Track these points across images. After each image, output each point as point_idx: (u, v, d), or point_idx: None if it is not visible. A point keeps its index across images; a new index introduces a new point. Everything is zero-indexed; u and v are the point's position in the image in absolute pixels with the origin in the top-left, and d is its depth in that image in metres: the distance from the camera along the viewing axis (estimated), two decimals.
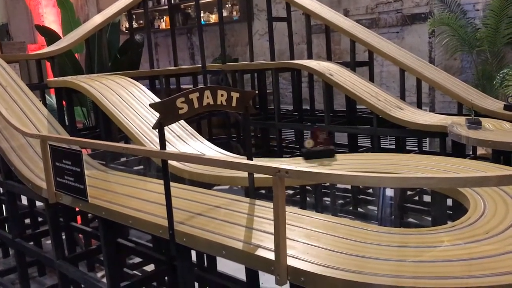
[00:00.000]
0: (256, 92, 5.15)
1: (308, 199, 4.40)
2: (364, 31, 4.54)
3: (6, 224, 3.98)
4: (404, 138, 4.14)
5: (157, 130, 1.89)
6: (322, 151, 2.77)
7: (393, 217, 3.48)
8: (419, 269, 1.39)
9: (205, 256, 2.87)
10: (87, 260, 3.62)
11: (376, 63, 5.67)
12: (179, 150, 3.02)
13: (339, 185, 4.45)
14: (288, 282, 1.50)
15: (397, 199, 3.54)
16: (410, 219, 4.12)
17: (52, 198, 2.52)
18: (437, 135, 3.32)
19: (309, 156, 2.77)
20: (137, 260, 3.46)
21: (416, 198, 4.30)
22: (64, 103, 4.10)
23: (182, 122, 3.30)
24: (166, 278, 2.80)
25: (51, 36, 5.42)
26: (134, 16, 8.03)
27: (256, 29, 7.19)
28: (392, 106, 3.68)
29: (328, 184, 4.18)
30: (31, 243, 3.33)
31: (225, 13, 7.02)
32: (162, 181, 1.93)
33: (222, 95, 2.02)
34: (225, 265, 2.52)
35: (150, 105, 1.88)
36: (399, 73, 4.25)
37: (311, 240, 1.66)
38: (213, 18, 7.58)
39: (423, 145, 4.61)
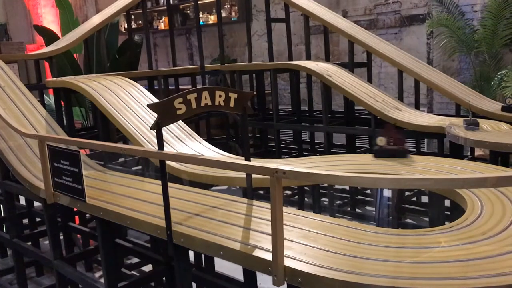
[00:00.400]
0: (255, 92, 5.16)
1: (306, 199, 4.40)
2: (363, 32, 4.54)
3: (4, 224, 3.98)
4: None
5: (155, 130, 1.89)
6: (395, 151, 2.60)
7: (390, 218, 3.48)
8: (416, 270, 1.39)
9: (203, 257, 2.87)
10: (85, 260, 3.62)
11: (375, 64, 5.68)
12: (177, 150, 3.02)
13: (337, 186, 4.46)
14: (285, 282, 1.50)
15: (395, 200, 3.54)
16: (408, 220, 4.13)
17: (50, 198, 2.52)
18: (435, 136, 3.32)
19: (380, 154, 2.64)
20: (135, 260, 3.46)
21: (414, 199, 4.31)
22: (62, 103, 4.10)
23: (180, 122, 3.30)
24: (164, 278, 2.80)
25: (49, 36, 5.41)
26: (133, 17, 8.03)
27: (255, 30, 7.19)
28: (390, 107, 3.68)
29: (326, 184, 4.18)
30: (29, 243, 3.33)
31: (223, 14, 7.02)
32: (160, 182, 1.93)
33: (220, 96, 2.02)
34: (223, 266, 2.52)
35: (148, 105, 1.88)
36: (397, 74, 4.25)
37: (308, 240, 1.66)
38: (212, 18, 7.58)
39: (421, 146, 4.62)
